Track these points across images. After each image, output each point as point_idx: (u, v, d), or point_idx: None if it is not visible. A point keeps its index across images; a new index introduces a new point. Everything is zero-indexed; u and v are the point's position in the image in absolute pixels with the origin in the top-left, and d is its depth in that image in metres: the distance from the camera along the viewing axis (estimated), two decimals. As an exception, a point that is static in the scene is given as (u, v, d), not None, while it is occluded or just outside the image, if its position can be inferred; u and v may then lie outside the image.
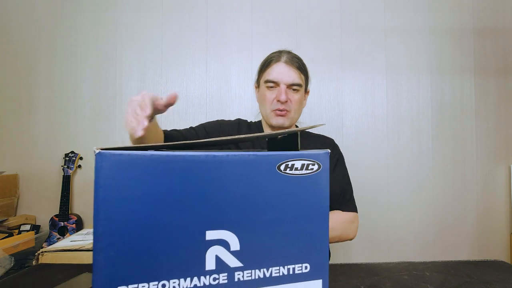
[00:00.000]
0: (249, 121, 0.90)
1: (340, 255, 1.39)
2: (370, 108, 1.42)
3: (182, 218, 0.26)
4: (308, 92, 0.86)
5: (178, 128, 0.82)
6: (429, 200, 1.41)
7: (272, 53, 0.81)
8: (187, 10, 1.41)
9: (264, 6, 1.41)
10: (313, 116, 1.40)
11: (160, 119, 0.63)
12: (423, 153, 1.42)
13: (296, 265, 0.30)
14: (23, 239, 1.05)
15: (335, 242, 0.75)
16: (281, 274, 0.29)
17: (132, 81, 1.38)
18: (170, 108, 0.54)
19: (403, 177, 1.41)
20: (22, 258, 1.00)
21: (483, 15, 1.45)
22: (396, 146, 1.41)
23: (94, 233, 0.24)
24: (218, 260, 0.27)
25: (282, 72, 0.75)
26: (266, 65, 0.80)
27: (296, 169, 0.29)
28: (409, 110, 1.42)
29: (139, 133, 0.43)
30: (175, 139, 0.76)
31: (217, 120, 0.87)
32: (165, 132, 0.75)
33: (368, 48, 1.42)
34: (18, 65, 1.38)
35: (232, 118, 0.90)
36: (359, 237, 1.39)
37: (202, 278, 0.27)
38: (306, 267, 0.30)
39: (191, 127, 0.83)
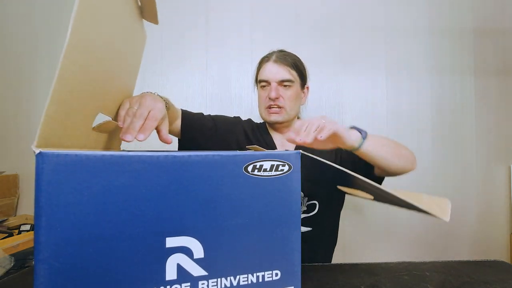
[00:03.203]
0: (256, 122, 0.92)
1: (340, 255, 1.39)
2: (370, 108, 1.41)
3: (138, 224, 0.24)
4: (308, 88, 0.87)
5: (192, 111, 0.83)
6: (429, 200, 1.41)
7: (265, 54, 0.85)
8: (186, 10, 1.41)
9: (264, 6, 1.41)
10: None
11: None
12: (423, 153, 1.42)
13: (266, 272, 0.28)
14: (23, 239, 1.04)
15: (400, 170, 0.68)
16: (249, 282, 0.27)
17: (132, 81, 1.38)
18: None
19: (402, 177, 1.40)
20: (22, 258, 1.00)
21: (483, 15, 1.45)
22: (396, 146, 1.41)
23: (35, 242, 0.21)
24: (180, 269, 0.25)
25: (271, 71, 0.78)
26: (258, 66, 0.84)
27: (265, 170, 0.27)
28: (409, 110, 1.42)
29: (130, 139, 0.38)
30: (194, 128, 0.78)
31: (230, 118, 0.89)
32: (183, 111, 0.78)
33: (368, 48, 1.42)
34: (18, 65, 1.38)
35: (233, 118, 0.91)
36: (359, 237, 1.39)
37: None
38: (276, 274, 0.28)
39: (210, 117, 0.85)
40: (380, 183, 0.82)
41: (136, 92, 0.64)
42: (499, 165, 1.43)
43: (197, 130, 0.79)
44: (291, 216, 0.29)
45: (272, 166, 0.28)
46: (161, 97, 0.54)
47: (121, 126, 0.39)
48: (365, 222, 1.39)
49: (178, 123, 0.76)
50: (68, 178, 0.22)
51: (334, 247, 0.88)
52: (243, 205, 0.27)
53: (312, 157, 0.32)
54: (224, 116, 0.89)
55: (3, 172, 1.31)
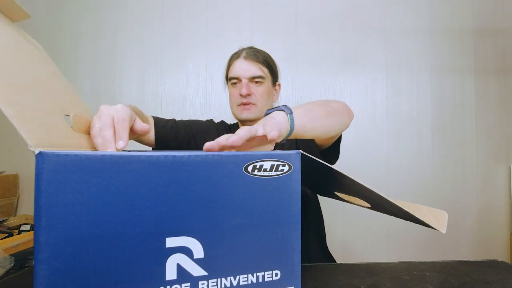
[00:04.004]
0: (229, 123, 0.89)
1: (340, 255, 1.39)
2: (370, 108, 1.41)
3: (138, 224, 0.24)
4: (279, 85, 0.86)
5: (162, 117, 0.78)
6: (428, 200, 1.41)
7: (235, 51, 0.82)
8: (187, 10, 1.41)
9: (264, 6, 1.41)
10: (313, 116, 1.40)
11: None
12: (423, 153, 1.42)
13: (266, 272, 0.28)
14: (23, 239, 1.04)
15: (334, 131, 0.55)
16: (249, 282, 0.27)
17: (132, 81, 1.38)
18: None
19: (403, 177, 1.41)
20: (22, 258, 1.00)
21: (483, 15, 1.45)
22: (396, 146, 1.41)
23: (35, 242, 0.21)
24: (180, 269, 0.25)
25: (241, 68, 0.77)
26: (228, 64, 0.82)
27: (265, 170, 0.27)
28: (409, 110, 1.42)
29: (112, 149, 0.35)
30: (168, 137, 0.74)
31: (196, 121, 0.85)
32: (155, 119, 0.74)
33: (368, 48, 1.42)
34: (18, 65, 1.38)
35: (232, 119, 0.89)
36: (359, 237, 1.39)
37: None
38: (276, 274, 0.28)
39: (183, 123, 0.81)
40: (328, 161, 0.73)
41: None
42: (499, 165, 1.43)
43: (171, 139, 0.76)
44: (291, 216, 0.29)
45: (272, 166, 0.28)
46: (127, 106, 0.50)
47: (100, 149, 0.35)
48: (365, 222, 1.39)
49: (151, 133, 0.72)
50: (68, 178, 0.22)
51: (325, 236, 0.83)
52: (243, 205, 0.27)
53: (311, 158, 0.32)
54: (197, 120, 0.86)
55: (3, 172, 1.31)
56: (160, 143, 0.74)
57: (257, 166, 0.27)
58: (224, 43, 1.41)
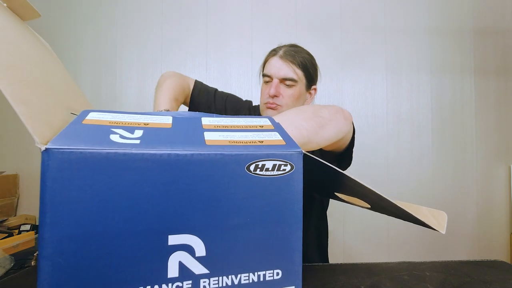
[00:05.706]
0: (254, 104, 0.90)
1: (340, 255, 1.39)
2: (370, 108, 1.42)
3: (141, 222, 0.24)
4: (315, 90, 0.84)
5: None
6: (429, 200, 1.41)
7: (274, 47, 0.81)
8: (187, 10, 1.41)
9: (264, 6, 1.41)
10: (313, 116, 1.40)
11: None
12: (423, 153, 1.42)
13: (267, 272, 0.28)
14: (23, 239, 1.05)
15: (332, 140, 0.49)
16: (250, 281, 0.27)
17: (132, 81, 1.38)
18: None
19: (403, 177, 1.41)
20: (22, 258, 1.00)
21: (483, 15, 1.45)
22: (396, 146, 1.41)
23: (40, 239, 0.21)
24: (181, 266, 0.25)
25: (275, 66, 0.75)
26: (265, 59, 0.81)
27: (267, 169, 0.27)
28: (409, 110, 1.42)
29: None
30: (200, 105, 0.79)
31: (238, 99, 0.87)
32: (195, 84, 0.79)
33: (368, 48, 1.42)
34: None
35: None
36: (359, 237, 1.39)
37: (164, 286, 0.24)
38: (277, 274, 0.28)
39: (221, 97, 0.84)
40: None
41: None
42: (499, 165, 1.43)
43: (203, 107, 0.79)
44: (293, 216, 0.29)
45: (274, 165, 0.28)
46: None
47: None
48: (365, 222, 1.39)
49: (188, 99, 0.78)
50: (72, 175, 0.22)
51: (326, 246, 0.81)
52: (245, 204, 0.27)
53: (312, 157, 0.32)
54: (236, 96, 0.87)
55: (3, 172, 1.31)
56: (193, 107, 0.79)
57: (259, 166, 0.27)
58: (224, 44, 1.41)
